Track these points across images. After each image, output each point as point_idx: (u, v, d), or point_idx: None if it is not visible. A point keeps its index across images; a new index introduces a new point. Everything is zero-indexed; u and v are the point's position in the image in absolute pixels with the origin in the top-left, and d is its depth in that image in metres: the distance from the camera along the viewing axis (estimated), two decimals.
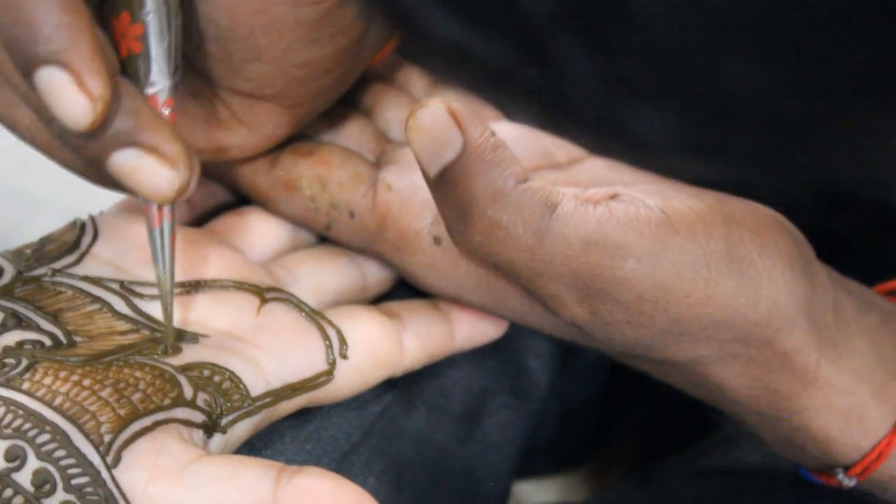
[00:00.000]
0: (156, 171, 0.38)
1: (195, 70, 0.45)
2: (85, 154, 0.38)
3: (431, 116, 0.39)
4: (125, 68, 0.39)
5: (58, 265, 0.44)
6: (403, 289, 0.51)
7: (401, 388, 0.50)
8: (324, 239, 0.50)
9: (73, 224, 0.46)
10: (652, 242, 0.39)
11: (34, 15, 0.35)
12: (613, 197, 0.41)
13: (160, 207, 0.41)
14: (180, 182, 0.38)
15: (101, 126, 0.37)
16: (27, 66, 0.35)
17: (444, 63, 0.26)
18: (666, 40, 0.20)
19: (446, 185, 0.39)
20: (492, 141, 0.39)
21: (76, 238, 0.45)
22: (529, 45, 0.21)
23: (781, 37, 0.19)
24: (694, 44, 0.20)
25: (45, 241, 0.46)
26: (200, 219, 0.51)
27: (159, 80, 0.39)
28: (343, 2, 0.42)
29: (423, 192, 0.46)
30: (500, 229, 0.39)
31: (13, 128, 0.41)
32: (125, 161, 0.38)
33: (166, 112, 0.40)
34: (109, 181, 0.39)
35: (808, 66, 0.20)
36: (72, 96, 0.35)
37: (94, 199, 0.51)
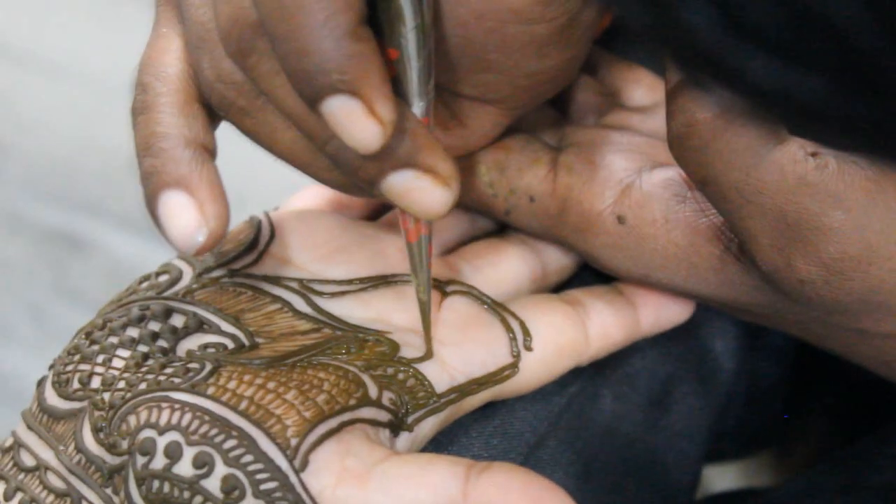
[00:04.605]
0: (430, 190, 0.38)
1: None
2: (362, 175, 0.38)
3: None
4: None
5: (237, 265, 0.44)
6: (585, 273, 0.49)
7: (585, 377, 0.49)
8: (503, 227, 0.49)
9: (250, 222, 0.46)
10: (864, 196, 0.37)
11: (323, 46, 0.35)
12: (815, 154, 0.39)
13: (417, 222, 0.41)
14: (452, 200, 0.38)
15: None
16: (316, 96, 0.35)
17: (749, 103, 0.25)
18: None
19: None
20: None
21: (253, 237, 0.45)
22: (859, 80, 0.20)
23: None
24: None
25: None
26: (374, 212, 0.50)
27: (416, 102, 0.39)
28: (574, 17, 0.41)
29: (604, 172, 0.44)
30: (725, 141, 0.38)
31: (270, 148, 0.42)
32: (401, 182, 0.38)
33: None
34: (372, 196, 0.40)
35: None
36: (363, 123, 0.35)
37: None
